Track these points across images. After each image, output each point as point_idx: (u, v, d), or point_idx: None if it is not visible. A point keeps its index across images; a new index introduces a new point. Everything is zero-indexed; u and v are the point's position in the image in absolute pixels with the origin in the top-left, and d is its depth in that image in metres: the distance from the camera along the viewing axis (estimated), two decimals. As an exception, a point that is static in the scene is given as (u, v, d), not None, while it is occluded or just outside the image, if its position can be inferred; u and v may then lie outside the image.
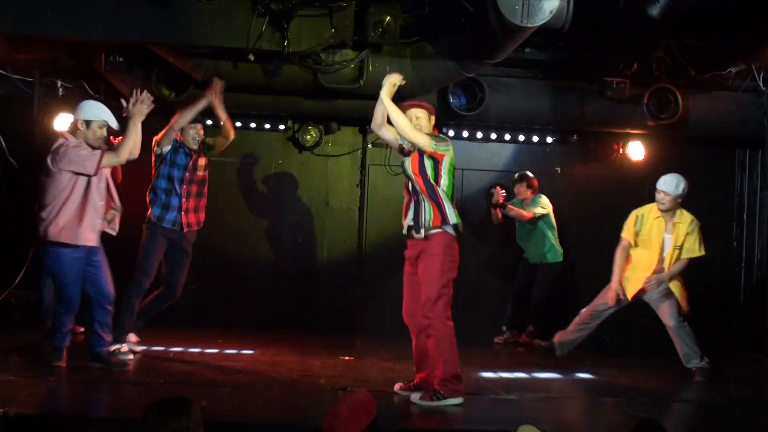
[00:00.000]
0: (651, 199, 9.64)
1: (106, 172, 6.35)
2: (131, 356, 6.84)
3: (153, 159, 7.27)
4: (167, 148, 7.16)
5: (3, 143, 8.88)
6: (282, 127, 9.56)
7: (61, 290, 6.24)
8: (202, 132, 7.39)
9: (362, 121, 9.59)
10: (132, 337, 7.12)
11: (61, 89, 9.11)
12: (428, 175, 5.85)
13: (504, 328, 9.10)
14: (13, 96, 9.01)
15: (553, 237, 8.94)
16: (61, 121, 9.06)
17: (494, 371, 7.29)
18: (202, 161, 7.42)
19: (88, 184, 6.18)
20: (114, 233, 6.52)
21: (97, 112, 6.26)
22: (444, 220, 5.79)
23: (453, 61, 8.00)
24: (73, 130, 6.29)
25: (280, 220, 9.62)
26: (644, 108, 8.71)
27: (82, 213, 6.16)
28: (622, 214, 9.66)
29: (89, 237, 6.23)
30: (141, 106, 6.19)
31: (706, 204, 9.75)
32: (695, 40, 8.27)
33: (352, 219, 9.69)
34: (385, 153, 9.56)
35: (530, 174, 9.04)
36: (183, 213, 7.21)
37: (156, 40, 7.47)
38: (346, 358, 7.61)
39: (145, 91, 6.26)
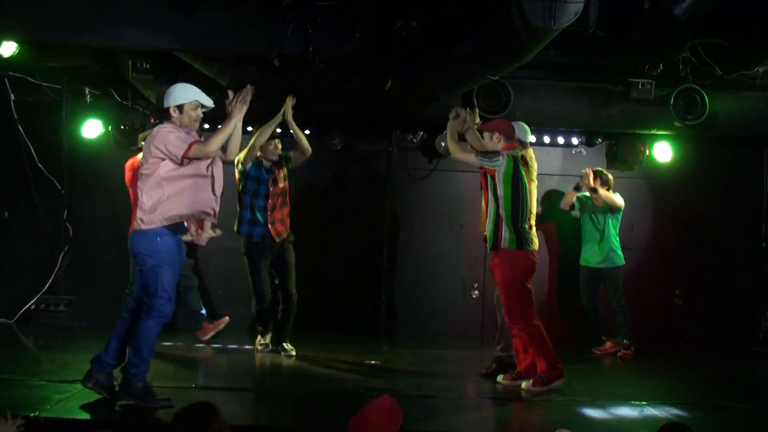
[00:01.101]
0: (679, 200, 9.62)
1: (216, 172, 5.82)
2: None
3: (237, 177, 7.66)
4: (249, 165, 7.56)
5: (32, 149, 8.98)
6: (307, 131, 9.57)
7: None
8: (279, 146, 7.82)
9: (386, 125, 9.62)
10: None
11: (88, 96, 9.20)
12: (489, 189, 6.52)
13: (603, 338, 8.77)
14: (42, 103, 9.12)
15: (617, 238, 8.73)
16: (89, 128, 9.17)
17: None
18: (281, 173, 7.80)
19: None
20: (203, 244, 6.00)
21: (187, 93, 5.78)
22: (502, 235, 6.39)
23: (477, 64, 7.98)
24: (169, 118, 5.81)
25: (306, 223, 9.63)
26: (671, 109, 8.64)
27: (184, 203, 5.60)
28: (649, 215, 9.66)
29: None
30: (241, 103, 5.78)
31: (734, 204, 9.71)
32: (721, 39, 8.20)
33: (377, 221, 9.70)
34: (408, 157, 9.58)
35: (604, 170, 8.90)
36: (270, 225, 7.59)
37: (182, 47, 7.51)
38: (373, 362, 7.62)
39: (249, 86, 5.89)
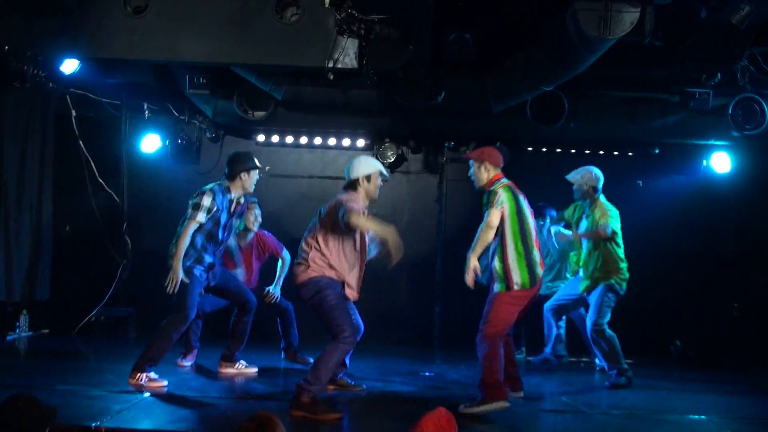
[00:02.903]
0: (737, 211, 9.44)
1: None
2: None
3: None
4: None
5: (93, 164, 9.15)
6: (360, 143, 9.64)
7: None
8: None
9: (440, 138, 9.62)
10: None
11: (147, 111, 9.37)
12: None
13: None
14: (102, 119, 9.31)
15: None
16: (148, 142, 9.34)
17: (578, 388, 7.20)
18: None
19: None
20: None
21: (372, 164, 6.20)
22: (513, 277, 5.96)
23: (532, 75, 7.96)
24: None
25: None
26: (729, 118, 8.52)
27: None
28: (707, 226, 9.49)
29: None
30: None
31: (795, 215, 9.50)
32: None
33: (431, 234, 9.70)
34: (461, 169, 9.56)
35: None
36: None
37: (238, 62, 7.62)
38: (427, 373, 7.61)
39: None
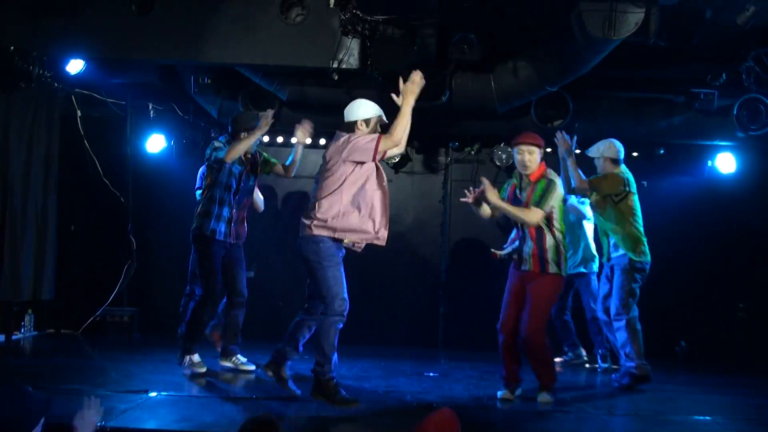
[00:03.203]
0: (743, 212, 9.42)
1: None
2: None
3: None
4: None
5: (98, 164, 9.16)
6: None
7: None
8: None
9: (445, 138, 9.62)
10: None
11: (152, 111, 9.38)
12: None
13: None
14: (107, 118, 9.32)
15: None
16: (153, 142, 9.36)
17: (582, 388, 7.20)
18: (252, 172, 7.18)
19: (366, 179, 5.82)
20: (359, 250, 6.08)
21: (373, 108, 6.03)
22: (549, 258, 6.20)
23: (536, 76, 7.96)
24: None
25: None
26: (734, 119, 8.51)
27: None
28: (712, 227, 9.47)
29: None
30: (415, 86, 5.84)
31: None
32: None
33: (435, 235, 9.70)
34: (465, 170, 9.58)
35: None
36: (233, 224, 6.97)
37: (243, 62, 7.63)
38: (431, 374, 7.61)
39: (418, 72, 5.88)
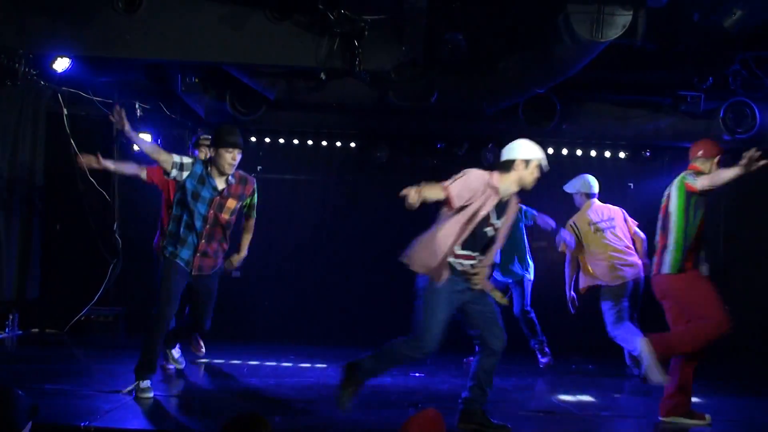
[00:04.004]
0: (727, 214, 9.46)
1: None
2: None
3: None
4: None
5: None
6: (353, 144, 9.65)
7: None
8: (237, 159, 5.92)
9: (431, 138, 9.62)
10: None
11: (138, 110, 9.34)
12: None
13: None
14: (94, 117, 9.27)
15: None
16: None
17: (568, 390, 7.20)
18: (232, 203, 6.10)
19: None
20: None
21: (536, 151, 5.30)
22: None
23: (523, 77, 7.97)
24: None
25: (348, 236, 9.68)
26: (720, 122, 8.55)
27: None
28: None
29: None
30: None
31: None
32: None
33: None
34: (453, 171, 9.55)
35: None
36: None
37: (230, 61, 7.62)
38: (417, 374, 7.61)
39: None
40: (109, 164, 6.55)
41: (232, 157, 5.82)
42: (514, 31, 7.71)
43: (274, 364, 7.72)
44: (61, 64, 7.90)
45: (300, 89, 8.27)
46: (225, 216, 6.00)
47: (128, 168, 6.75)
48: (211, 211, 5.92)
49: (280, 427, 5.11)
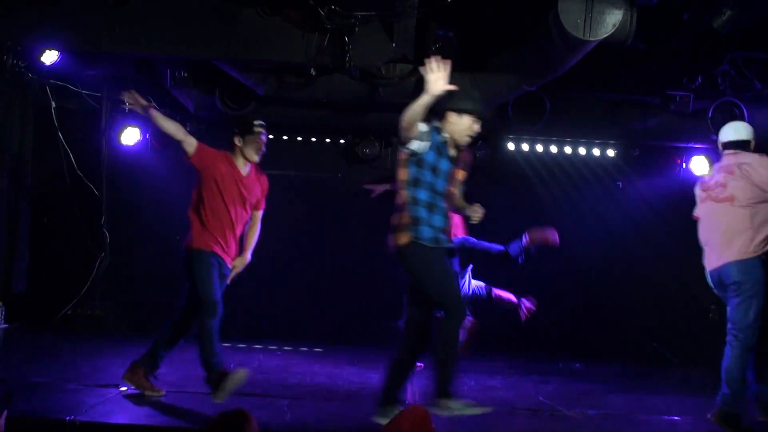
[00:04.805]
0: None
1: None
2: None
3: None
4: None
5: (72, 156, 9.08)
6: (342, 141, 9.64)
7: None
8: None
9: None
10: None
11: (127, 104, 9.29)
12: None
13: None
14: (82, 110, 9.24)
15: None
16: (128, 135, 9.28)
17: (555, 387, 7.22)
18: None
19: None
20: None
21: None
22: None
23: (514, 75, 7.97)
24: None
25: (338, 233, 9.67)
26: (709, 122, 8.57)
27: None
28: (685, 229, 9.53)
29: None
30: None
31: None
32: (761, 53, 8.12)
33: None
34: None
35: None
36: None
37: (220, 56, 7.59)
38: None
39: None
40: (156, 113, 6.03)
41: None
42: (504, 29, 7.71)
43: (258, 362, 7.71)
44: (50, 57, 7.86)
45: (290, 85, 8.24)
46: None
47: (173, 128, 6.06)
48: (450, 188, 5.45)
49: (267, 422, 5.11)
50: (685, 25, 6.88)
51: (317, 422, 5.44)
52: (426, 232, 5.26)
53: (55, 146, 9.04)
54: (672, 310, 9.40)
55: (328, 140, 9.64)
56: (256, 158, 6.05)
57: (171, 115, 9.26)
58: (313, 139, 9.63)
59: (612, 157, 9.64)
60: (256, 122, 6.03)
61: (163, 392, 5.82)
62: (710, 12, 6.58)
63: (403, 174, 5.27)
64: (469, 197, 5.80)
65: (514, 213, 9.42)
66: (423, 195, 5.24)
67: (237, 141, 5.99)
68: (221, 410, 3.35)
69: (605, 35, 6.47)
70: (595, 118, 9.06)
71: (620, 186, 9.73)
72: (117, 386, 5.91)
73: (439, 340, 5.30)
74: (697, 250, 9.53)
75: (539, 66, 7.69)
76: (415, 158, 5.22)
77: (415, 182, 5.25)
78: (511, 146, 9.41)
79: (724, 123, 8.51)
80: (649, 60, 7.83)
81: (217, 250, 5.86)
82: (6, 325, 8.92)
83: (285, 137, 9.62)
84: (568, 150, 9.60)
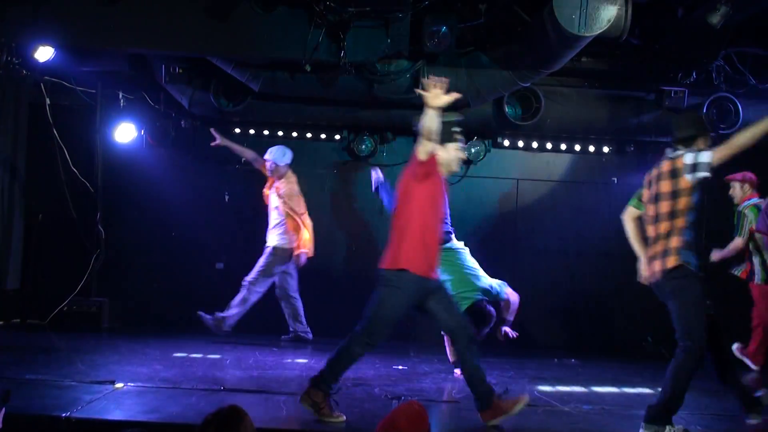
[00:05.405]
0: (709, 209, 9.48)
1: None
2: None
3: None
4: None
5: (66, 152, 9.07)
6: (338, 137, 9.63)
7: None
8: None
9: (417, 131, 9.61)
10: None
11: (122, 100, 9.30)
12: None
13: None
14: (77, 107, 9.23)
15: None
16: (122, 132, 9.27)
17: (550, 383, 7.23)
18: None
19: None
20: None
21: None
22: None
23: (509, 71, 7.98)
24: None
25: (334, 229, 9.67)
26: (703, 118, 8.57)
27: None
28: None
29: None
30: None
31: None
32: (756, 48, 8.13)
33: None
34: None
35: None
36: None
37: (215, 52, 7.58)
38: (400, 367, 7.62)
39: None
40: None
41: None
42: (499, 24, 7.72)
43: (254, 358, 7.70)
44: (44, 54, 7.85)
45: (285, 81, 8.24)
46: None
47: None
48: None
49: (262, 419, 5.11)
50: (679, 20, 6.89)
51: (312, 417, 5.44)
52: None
53: (49, 143, 9.02)
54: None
55: (323, 136, 9.63)
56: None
57: (165, 111, 9.32)
58: (309, 135, 9.61)
59: (607, 153, 9.64)
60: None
61: None
62: (704, 7, 6.59)
63: (688, 202, 5.50)
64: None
65: (510, 209, 9.47)
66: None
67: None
68: (217, 407, 3.34)
69: (600, 30, 6.48)
70: (589, 114, 9.05)
71: (615, 181, 9.73)
72: (113, 382, 5.91)
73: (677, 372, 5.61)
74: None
75: (534, 61, 7.70)
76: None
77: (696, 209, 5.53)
78: (506, 142, 9.40)
79: (718, 118, 8.60)
80: (644, 56, 7.85)
81: None
82: (0, 322, 8.91)
83: (280, 133, 9.60)
84: (563, 146, 9.60)
